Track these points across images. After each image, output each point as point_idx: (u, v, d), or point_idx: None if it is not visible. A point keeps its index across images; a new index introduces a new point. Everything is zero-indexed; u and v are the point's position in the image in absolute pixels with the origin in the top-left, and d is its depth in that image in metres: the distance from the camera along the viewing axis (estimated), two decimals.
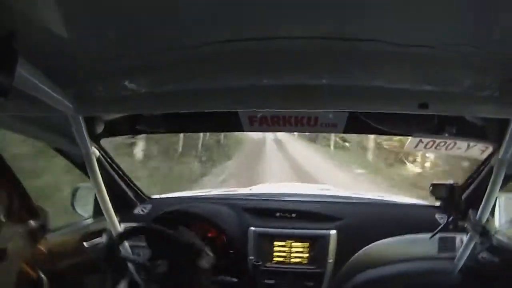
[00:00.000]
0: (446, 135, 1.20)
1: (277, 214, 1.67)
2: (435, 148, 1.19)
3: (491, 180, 1.25)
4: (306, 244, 1.56)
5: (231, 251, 1.58)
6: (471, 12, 0.62)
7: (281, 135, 15.33)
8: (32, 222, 0.58)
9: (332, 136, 12.78)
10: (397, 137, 5.76)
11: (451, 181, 1.38)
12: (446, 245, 1.55)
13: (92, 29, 0.71)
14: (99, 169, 1.41)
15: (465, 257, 1.46)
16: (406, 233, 1.57)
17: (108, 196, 1.46)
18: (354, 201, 1.87)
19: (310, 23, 0.70)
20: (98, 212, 1.56)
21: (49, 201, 3.15)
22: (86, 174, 1.40)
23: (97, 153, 1.40)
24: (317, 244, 1.55)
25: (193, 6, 0.64)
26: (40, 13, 0.63)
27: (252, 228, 1.59)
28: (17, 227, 0.56)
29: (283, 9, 0.65)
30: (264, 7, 0.64)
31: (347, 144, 13.21)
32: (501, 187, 1.27)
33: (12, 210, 0.55)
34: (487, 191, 1.28)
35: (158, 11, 0.65)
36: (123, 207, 1.68)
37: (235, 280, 1.52)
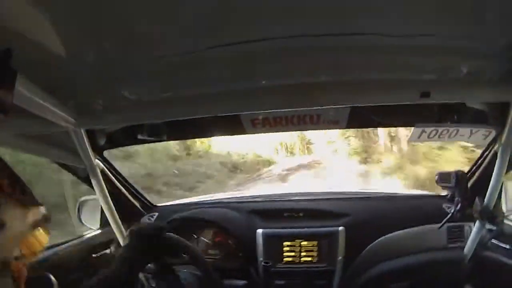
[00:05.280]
0: (448, 123, 1.19)
1: (285, 214, 1.66)
2: (438, 137, 1.18)
3: (496, 165, 1.25)
4: (315, 243, 1.55)
5: (240, 254, 1.57)
6: None
7: None
8: (34, 210, 0.57)
9: None
10: None
11: (456, 169, 1.37)
12: (455, 234, 1.54)
13: (88, 42, 0.72)
14: (103, 181, 1.41)
15: (474, 246, 1.45)
16: (414, 225, 1.56)
17: (114, 207, 1.46)
18: (360, 196, 1.86)
19: (304, 22, 0.70)
20: (105, 223, 1.56)
21: None
22: (91, 186, 1.40)
23: (101, 165, 1.41)
24: (325, 242, 1.54)
25: (187, 12, 0.64)
26: (36, 30, 0.63)
27: (260, 230, 1.58)
28: (16, 209, 0.55)
29: (278, 9, 0.65)
30: (257, 8, 0.64)
31: None
32: (506, 172, 1.26)
33: (11, 195, 0.54)
34: (493, 176, 1.27)
35: (153, 19, 0.65)
36: (130, 217, 1.68)
37: (245, 282, 1.51)
